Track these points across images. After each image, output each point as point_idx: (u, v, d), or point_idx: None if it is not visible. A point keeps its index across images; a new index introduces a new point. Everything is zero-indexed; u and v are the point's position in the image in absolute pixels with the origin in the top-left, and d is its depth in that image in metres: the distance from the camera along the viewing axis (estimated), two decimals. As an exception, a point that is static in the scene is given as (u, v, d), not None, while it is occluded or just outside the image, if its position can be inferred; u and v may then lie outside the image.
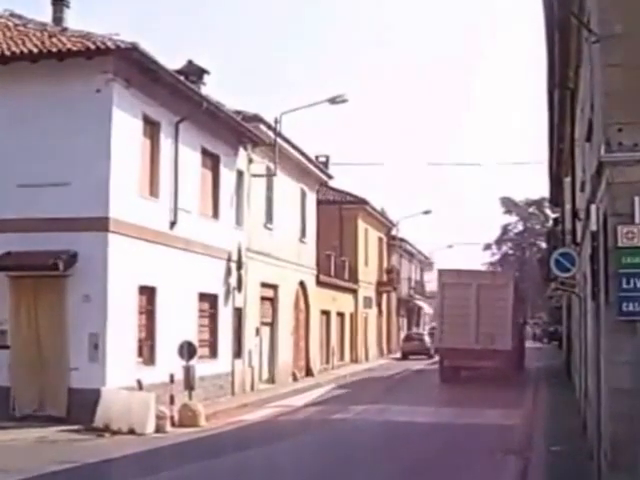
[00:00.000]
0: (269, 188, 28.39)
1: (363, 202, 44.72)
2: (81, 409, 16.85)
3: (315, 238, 34.88)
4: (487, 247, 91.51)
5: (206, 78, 25.23)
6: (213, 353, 23.55)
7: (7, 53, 17.81)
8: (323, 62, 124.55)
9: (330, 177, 37.61)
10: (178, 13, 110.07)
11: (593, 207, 10.40)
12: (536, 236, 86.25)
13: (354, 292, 44.05)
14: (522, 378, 32.13)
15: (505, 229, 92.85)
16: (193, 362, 19.33)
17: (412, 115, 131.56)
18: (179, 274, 20.93)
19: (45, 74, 17.82)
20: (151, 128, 19.89)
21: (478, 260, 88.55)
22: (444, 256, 69.72)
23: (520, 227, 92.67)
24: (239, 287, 25.18)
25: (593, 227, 10.34)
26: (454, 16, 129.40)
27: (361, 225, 45.12)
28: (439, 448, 15.71)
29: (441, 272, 32.37)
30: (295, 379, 30.67)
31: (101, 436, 16.29)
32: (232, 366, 24.62)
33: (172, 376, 18.49)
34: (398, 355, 50.32)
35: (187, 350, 19.15)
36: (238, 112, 25.26)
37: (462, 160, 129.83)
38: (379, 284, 50.72)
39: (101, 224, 17.52)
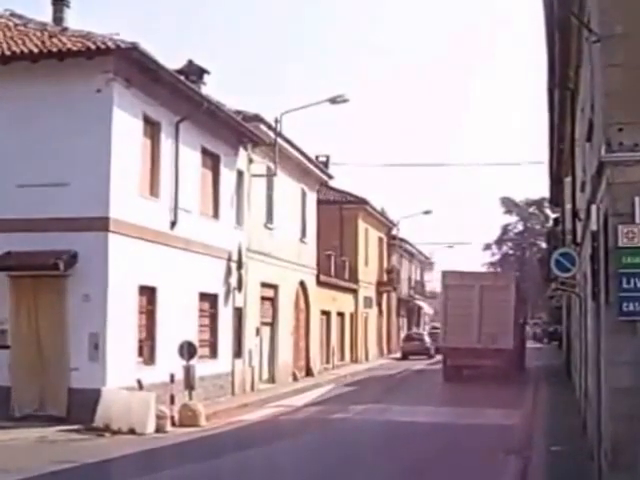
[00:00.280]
0: (269, 188, 28.39)
1: (363, 202, 44.74)
2: (81, 409, 16.84)
3: (315, 238, 34.88)
4: (487, 247, 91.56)
5: (206, 78, 25.24)
6: (213, 353, 23.55)
7: (7, 53, 17.80)
8: (323, 62, 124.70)
9: (330, 177, 37.61)
10: (178, 13, 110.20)
11: (593, 207, 10.40)
12: (536, 236, 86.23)
13: (354, 292, 44.06)
14: (523, 377, 32.33)
15: (505, 229, 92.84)
16: (193, 362, 19.33)
17: (412, 115, 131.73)
18: (179, 274, 20.93)
19: (45, 74, 17.81)
20: (151, 128, 19.89)
21: (478, 260, 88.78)
22: (444, 256, 69.94)
23: (520, 227, 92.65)
24: (239, 287, 25.18)
25: (593, 227, 10.34)
26: (454, 16, 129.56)
27: (361, 225, 45.13)
28: (439, 448, 15.70)
29: (444, 274, 32.90)
30: (295, 379, 30.68)
31: (101, 436, 16.29)
32: (232, 366, 24.63)
33: (172, 376, 18.49)
34: (398, 355, 50.32)
35: (187, 350, 19.15)
36: (238, 112, 25.27)
37: (462, 160, 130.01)
38: (379, 284, 50.73)
39: (101, 224, 17.52)
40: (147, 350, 19.57)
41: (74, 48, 17.59)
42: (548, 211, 58.84)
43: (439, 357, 45.27)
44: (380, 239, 51.75)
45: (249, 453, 14.83)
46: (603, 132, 9.21)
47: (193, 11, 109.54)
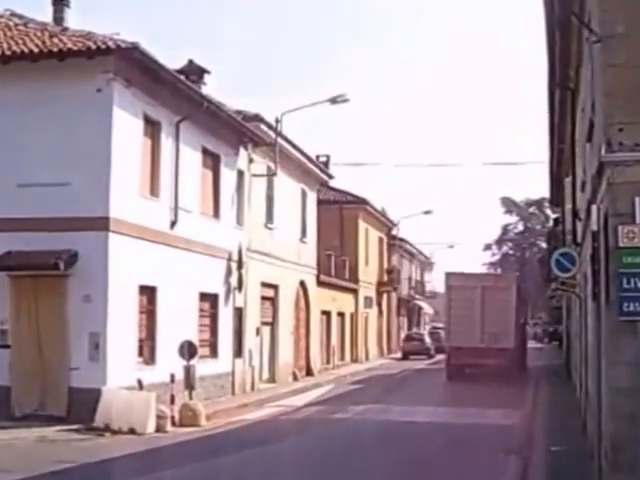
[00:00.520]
0: (270, 188, 28.40)
1: (363, 202, 44.76)
2: (81, 409, 16.85)
3: (315, 238, 34.89)
4: (487, 247, 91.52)
5: (207, 78, 25.27)
6: (213, 353, 23.56)
7: (8, 53, 17.81)
8: (324, 62, 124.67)
9: (331, 177, 37.63)
10: (179, 13, 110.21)
11: (594, 207, 10.40)
12: (536, 236, 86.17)
13: (354, 292, 44.07)
14: (524, 377, 32.58)
15: (505, 229, 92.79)
16: (193, 362, 19.34)
17: (412, 115, 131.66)
18: (180, 274, 20.94)
19: (46, 74, 17.81)
20: (152, 128, 19.90)
21: (478, 260, 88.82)
22: (444, 256, 69.92)
23: (520, 227, 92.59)
24: (239, 287, 25.19)
25: (594, 227, 10.34)
26: (454, 15, 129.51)
27: (361, 225, 45.14)
28: (439, 448, 15.70)
29: (448, 275, 33.62)
30: (295, 379, 30.69)
31: (101, 436, 16.29)
32: (232, 366, 24.63)
33: (172, 376, 18.49)
34: (398, 355, 50.33)
35: (187, 350, 19.16)
36: (239, 112, 25.28)
37: (462, 160, 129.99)
38: (379, 284, 50.74)
39: (102, 224, 17.52)
40: (147, 350, 19.57)
41: (74, 48, 17.59)
42: (548, 211, 58.83)
43: (439, 357, 45.49)
44: (380, 239, 51.76)
45: (249, 453, 14.83)
46: (603, 132, 9.21)
47: (194, 11, 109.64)
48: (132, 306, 18.69)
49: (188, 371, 19.05)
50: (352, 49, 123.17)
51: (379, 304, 50.99)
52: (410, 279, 63.77)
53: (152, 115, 19.70)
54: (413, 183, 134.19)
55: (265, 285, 28.19)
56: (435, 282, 75.19)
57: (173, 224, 20.76)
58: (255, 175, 26.88)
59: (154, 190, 19.99)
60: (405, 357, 48.39)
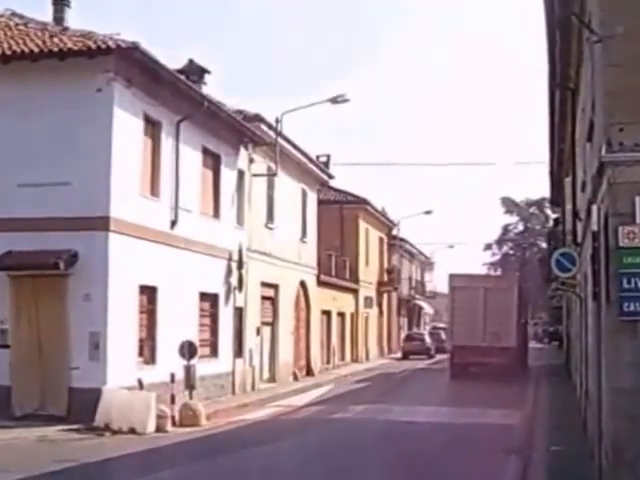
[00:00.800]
0: (270, 188, 28.40)
1: (364, 202, 44.76)
2: (82, 408, 16.84)
3: (316, 238, 34.90)
4: (488, 247, 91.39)
5: (207, 78, 25.27)
6: (214, 352, 23.56)
7: (8, 52, 17.80)
8: (325, 61, 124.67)
9: (331, 177, 37.61)
10: (179, 12, 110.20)
11: (594, 207, 10.40)
12: (537, 236, 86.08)
13: (355, 292, 44.07)
14: (525, 376, 32.90)
15: (506, 229, 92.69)
16: (194, 361, 19.34)
17: (412, 115, 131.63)
18: (180, 273, 20.94)
19: (46, 73, 17.82)
20: (152, 127, 19.90)
21: (479, 260, 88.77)
22: (445, 256, 69.89)
23: (521, 227, 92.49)
24: (240, 287, 25.19)
25: (594, 227, 10.34)
26: (455, 16, 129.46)
27: (362, 225, 45.13)
28: (440, 448, 15.67)
29: (451, 276, 34.57)
30: (296, 379, 30.69)
31: (101, 435, 16.29)
32: (233, 365, 24.64)
33: (173, 375, 18.49)
34: (399, 355, 50.34)
35: (188, 349, 19.16)
36: (239, 112, 25.28)
37: (462, 160, 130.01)
38: (380, 284, 50.74)
39: (102, 223, 17.52)
40: (148, 350, 19.58)
41: (75, 48, 17.60)
42: (548, 211, 58.87)
43: (440, 357, 45.64)
44: (380, 239, 51.75)
45: (250, 452, 14.83)
46: (604, 132, 9.21)
47: (194, 11, 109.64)
48: (132, 306, 18.69)
49: (188, 371, 19.05)
50: (352, 49, 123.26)
51: (379, 304, 50.98)
52: (410, 279, 63.77)
53: (152, 115, 19.70)
54: (413, 183, 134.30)
55: (265, 285, 28.19)
56: (435, 282, 75.38)
57: (173, 224, 20.76)
58: (255, 175, 26.88)
59: (154, 190, 19.99)
60: (405, 357, 48.41)
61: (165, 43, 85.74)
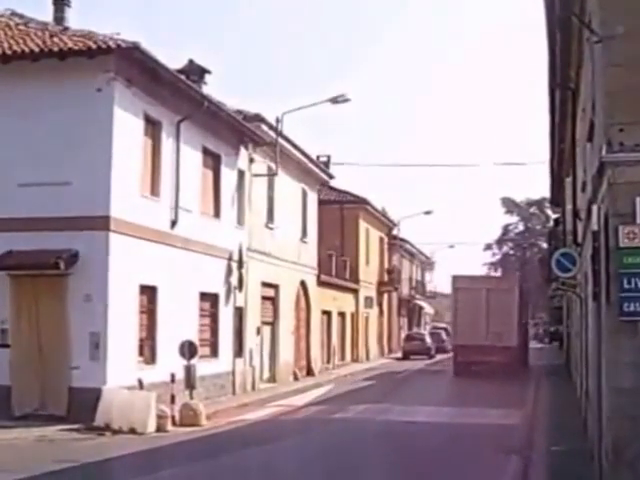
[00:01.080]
0: (270, 188, 28.40)
1: (364, 202, 44.76)
2: (82, 408, 16.84)
3: (316, 238, 34.91)
4: (488, 247, 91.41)
5: (207, 78, 25.26)
6: (214, 352, 23.56)
7: (8, 52, 17.81)
8: (325, 61, 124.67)
9: (331, 177, 37.62)
10: (179, 12, 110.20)
11: (594, 207, 10.40)
12: (537, 236, 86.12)
13: (355, 292, 44.07)
14: (525, 375, 33.22)
15: (506, 229, 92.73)
16: (194, 361, 19.33)
17: (412, 115, 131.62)
18: (180, 273, 20.94)
19: (46, 73, 17.82)
20: (152, 127, 19.90)
21: (479, 260, 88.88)
22: (445, 256, 69.91)
23: (521, 227, 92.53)
24: (240, 286, 25.19)
25: (594, 227, 10.34)
26: (455, 16, 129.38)
27: (362, 225, 45.13)
28: (440, 448, 15.70)
29: (454, 278, 35.44)
30: (296, 378, 30.69)
31: (102, 435, 16.29)
32: (233, 365, 24.64)
33: (173, 375, 18.49)
34: (399, 355, 50.32)
35: (188, 349, 19.16)
36: (239, 112, 25.28)
37: (462, 160, 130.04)
38: (380, 284, 50.74)
39: (102, 223, 17.52)
40: (148, 349, 19.58)
41: (75, 47, 17.60)
42: (549, 211, 58.84)
43: (440, 357, 45.73)
44: (381, 239, 51.75)
45: (250, 452, 14.84)
46: (604, 132, 9.21)
47: (194, 11, 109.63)
48: (132, 306, 18.69)
49: (189, 371, 19.05)
50: (352, 49, 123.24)
51: (380, 304, 50.98)
52: (411, 279, 63.77)
53: (153, 115, 19.70)
54: (413, 183, 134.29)
55: (266, 285, 28.19)
56: (436, 282, 75.43)
57: (174, 224, 20.76)
58: (256, 175, 26.88)
59: (155, 190, 19.99)
60: (406, 357, 48.37)
61: (165, 43, 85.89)
